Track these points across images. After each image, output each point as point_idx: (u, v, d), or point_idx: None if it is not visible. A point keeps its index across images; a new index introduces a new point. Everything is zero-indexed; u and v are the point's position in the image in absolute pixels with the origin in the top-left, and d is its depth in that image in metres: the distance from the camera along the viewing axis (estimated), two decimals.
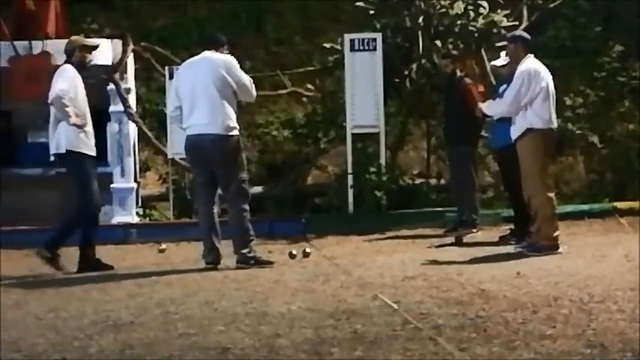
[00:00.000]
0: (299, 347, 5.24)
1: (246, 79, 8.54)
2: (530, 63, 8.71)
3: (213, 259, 8.43)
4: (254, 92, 8.68)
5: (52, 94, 8.58)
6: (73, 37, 9.21)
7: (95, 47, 9.15)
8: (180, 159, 12.74)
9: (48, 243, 8.73)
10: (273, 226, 11.42)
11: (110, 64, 12.37)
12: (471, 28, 11.93)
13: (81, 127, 8.64)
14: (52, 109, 8.73)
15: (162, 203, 13.03)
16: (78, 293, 7.42)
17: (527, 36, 9.11)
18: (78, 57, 8.83)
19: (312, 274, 7.90)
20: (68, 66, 8.74)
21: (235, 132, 8.48)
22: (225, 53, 8.62)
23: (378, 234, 10.80)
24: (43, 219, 11.60)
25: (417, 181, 12.88)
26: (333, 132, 13.29)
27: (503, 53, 9.43)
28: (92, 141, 8.82)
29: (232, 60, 8.53)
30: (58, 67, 11.64)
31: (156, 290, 7.40)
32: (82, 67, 8.82)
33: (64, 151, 8.63)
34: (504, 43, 9.21)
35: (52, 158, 8.87)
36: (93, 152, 8.83)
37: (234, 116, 8.48)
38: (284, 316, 6.11)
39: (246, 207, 8.44)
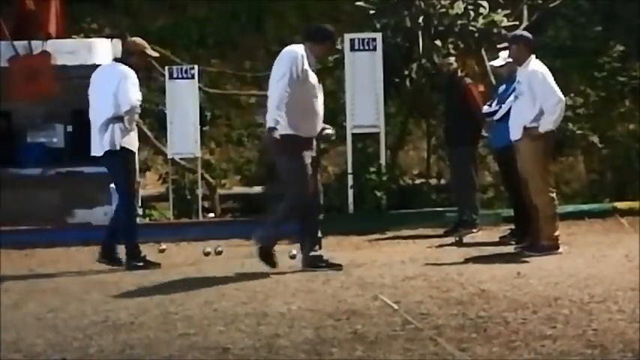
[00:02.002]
0: (299, 347, 5.24)
1: (276, 75, 7.80)
2: (538, 64, 8.66)
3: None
4: (274, 89, 7.77)
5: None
6: (139, 40, 9.08)
7: (153, 58, 9.27)
8: (180, 159, 12.75)
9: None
10: None
11: None
12: (471, 28, 11.93)
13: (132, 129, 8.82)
14: (105, 107, 8.67)
15: (162, 203, 13.03)
16: (77, 293, 7.41)
17: (530, 35, 9.04)
18: (136, 61, 8.83)
19: (312, 274, 7.89)
20: (131, 71, 8.69)
21: (275, 133, 7.76)
22: (310, 47, 7.93)
23: (378, 234, 10.79)
24: (42, 219, 11.62)
25: (417, 181, 12.89)
26: None
27: (502, 53, 9.41)
28: (137, 139, 9.00)
29: (283, 53, 7.94)
30: (57, 66, 11.86)
31: (156, 290, 7.40)
32: (137, 72, 8.82)
33: (119, 148, 8.67)
34: (505, 44, 9.13)
35: (99, 154, 8.76)
36: (136, 150, 9.08)
37: (282, 115, 7.73)
38: (284, 316, 6.10)
39: (285, 209, 8.03)
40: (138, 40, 9.11)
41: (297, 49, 7.91)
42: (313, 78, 7.93)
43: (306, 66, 7.85)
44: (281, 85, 7.75)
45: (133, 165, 9.07)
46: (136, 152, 9.07)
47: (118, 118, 8.63)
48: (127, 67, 8.72)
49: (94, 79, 8.92)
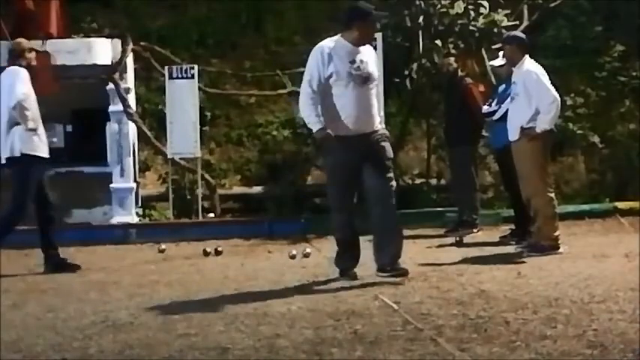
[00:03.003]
0: (299, 347, 5.23)
1: (303, 77, 7.42)
2: (533, 64, 8.65)
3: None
4: (300, 94, 7.44)
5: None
6: (22, 40, 9.14)
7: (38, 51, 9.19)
8: (180, 159, 12.74)
9: None
10: (273, 226, 11.41)
11: (110, 63, 12.35)
12: (471, 27, 11.91)
13: (35, 130, 8.64)
14: (4, 113, 8.63)
15: (162, 203, 13.01)
16: (77, 293, 7.40)
17: (523, 36, 9.06)
18: (27, 59, 8.80)
19: (312, 274, 7.89)
20: (21, 69, 8.67)
21: (320, 133, 7.35)
22: (344, 35, 7.34)
23: None
24: None
25: (417, 181, 12.88)
26: None
27: (502, 53, 9.42)
28: (45, 143, 8.81)
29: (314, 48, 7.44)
30: (57, 66, 11.84)
31: (156, 290, 7.40)
32: (30, 70, 8.77)
33: (19, 154, 8.57)
34: (499, 45, 9.17)
35: (3, 161, 8.68)
36: (47, 154, 8.82)
37: (314, 116, 7.32)
38: (284, 316, 6.10)
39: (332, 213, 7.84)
40: (21, 40, 9.17)
41: (321, 45, 7.36)
42: (347, 70, 7.25)
43: (334, 60, 7.22)
44: (306, 89, 7.33)
45: (35, 172, 8.70)
46: (43, 157, 8.73)
47: (17, 122, 8.57)
48: (17, 67, 8.68)
49: None
